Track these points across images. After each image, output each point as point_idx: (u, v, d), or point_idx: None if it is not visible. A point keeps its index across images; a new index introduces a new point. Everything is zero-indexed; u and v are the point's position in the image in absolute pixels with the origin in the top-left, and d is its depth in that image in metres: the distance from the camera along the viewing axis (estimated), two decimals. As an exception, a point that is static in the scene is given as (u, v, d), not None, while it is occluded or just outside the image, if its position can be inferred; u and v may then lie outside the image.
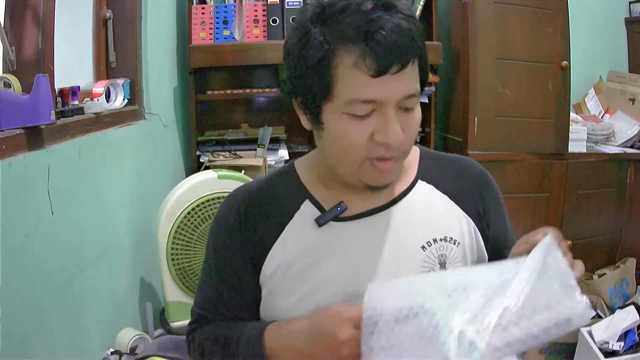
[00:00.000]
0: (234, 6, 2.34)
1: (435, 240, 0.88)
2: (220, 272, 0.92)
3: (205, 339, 0.92)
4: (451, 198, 0.91)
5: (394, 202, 0.89)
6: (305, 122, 0.85)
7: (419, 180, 0.92)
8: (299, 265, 0.87)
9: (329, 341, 0.75)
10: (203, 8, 2.37)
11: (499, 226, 0.96)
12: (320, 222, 0.87)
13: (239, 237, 0.90)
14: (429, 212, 0.89)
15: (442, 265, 0.87)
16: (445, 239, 0.88)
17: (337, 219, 0.87)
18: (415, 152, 0.96)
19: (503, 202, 0.99)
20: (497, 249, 0.95)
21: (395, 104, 0.76)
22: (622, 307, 2.22)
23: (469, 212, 0.91)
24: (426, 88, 2.32)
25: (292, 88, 0.82)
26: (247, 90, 2.46)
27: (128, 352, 1.48)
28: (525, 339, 0.67)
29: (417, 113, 0.81)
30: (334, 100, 0.77)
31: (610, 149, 2.56)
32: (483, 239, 0.93)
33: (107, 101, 1.76)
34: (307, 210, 0.89)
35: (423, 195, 0.91)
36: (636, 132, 2.60)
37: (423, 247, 0.87)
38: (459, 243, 0.89)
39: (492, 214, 0.95)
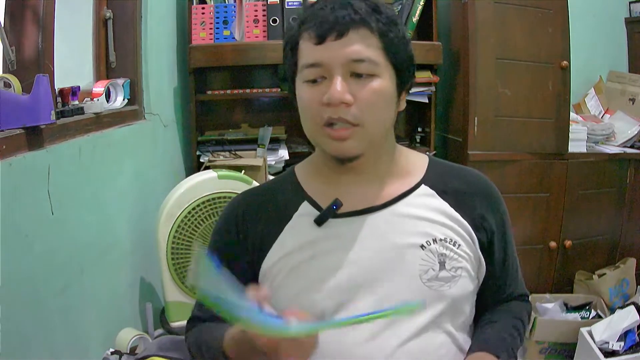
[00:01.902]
0: (234, 6, 2.34)
1: (434, 240, 0.88)
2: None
3: (192, 341, 0.95)
4: (452, 205, 0.91)
5: (394, 201, 0.90)
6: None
7: (422, 185, 0.92)
8: (296, 261, 0.88)
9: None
10: (203, 8, 2.37)
11: (498, 247, 0.95)
12: (319, 223, 0.88)
13: (236, 240, 0.93)
14: (430, 214, 0.89)
15: (442, 264, 0.87)
16: (445, 240, 0.88)
17: (335, 215, 0.89)
18: (424, 159, 0.97)
19: (508, 222, 0.97)
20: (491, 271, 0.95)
21: (341, 68, 0.82)
22: (622, 307, 2.21)
23: (469, 222, 0.91)
24: (426, 88, 2.39)
25: (283, 75, 0.91)
26: (247, 90, 2.46)
27: (128, 352, 1.48)
28: None
29: (376, 83, 0.84)
30: (298, 72, 0.87)
31: (610, 149, 2.56)
32: (482, 254, 0.92)
33: (107, 101, 1.76)
34: (305, 211, 0.91)
35: (424, 198, 0.91)
36: (636, 132, 2.60)
37: (422, 246, 0.87)
38: (459, 245, 0.89)
39: (494, 231, 0.93)
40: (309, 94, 0.85)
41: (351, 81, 0.83)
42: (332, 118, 0.82)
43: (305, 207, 0.91)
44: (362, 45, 0.83)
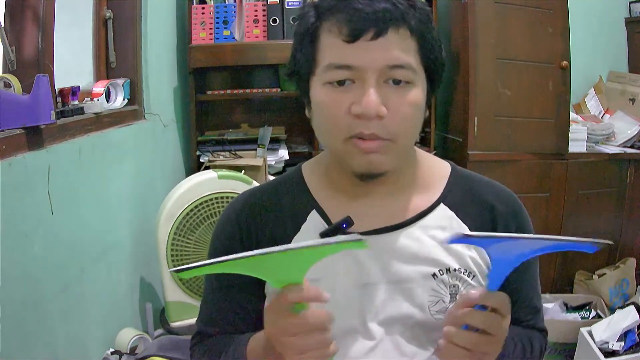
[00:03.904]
0: (234, 6, 2.34)
1: (448, 270, 0.81)
2: (222, 285, 0.88)
3: (203, 355, 0.89)
4: (472, 228, 0.83)
5: (409, 222, 0.82)
6: (307, 110, 0.83)
7: (441, 204, 0.84)
8: None
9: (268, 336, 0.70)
10: (203, 8, 2.37)
11: (516, 276, 0.79)
12: (324, 237, 0.81)
13: (240, 249, 0.84)
14: (446, 239, 0.82)
15: (453, 296, 0.81)
16: (459, 270, 0.81)
17: (346, 233, 0.81)
18: (446, 169, 0.89)
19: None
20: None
21: (376, 73, 0.72)
22: (622, 307, 2.21)
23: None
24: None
25: (291, 70, 0.81)
26: (247, 90, 2.47)
27: (128, 352, 1.48)
28: None
29: (413, 93, 0.74)
30: (317, 71, 0.76)
31: (610, 149, 2.56)
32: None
33: (107, 101, 1.76)
34: (313, 222, 0.84)
35: (442, 221, 0.83)
36: (636, 132, 2.60)
37: (434, 275, 0.81)
38: (474, 275, 0.82)
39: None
40: (333, 100, 0.74)
41: (385, 88, 0.73)
42: (363, 133, 0.72)
43: (313, 217, 0.84)
44: (401, 49, 0.72)
